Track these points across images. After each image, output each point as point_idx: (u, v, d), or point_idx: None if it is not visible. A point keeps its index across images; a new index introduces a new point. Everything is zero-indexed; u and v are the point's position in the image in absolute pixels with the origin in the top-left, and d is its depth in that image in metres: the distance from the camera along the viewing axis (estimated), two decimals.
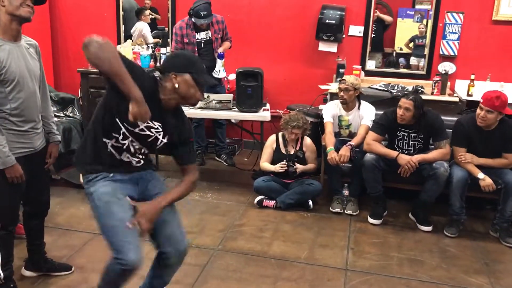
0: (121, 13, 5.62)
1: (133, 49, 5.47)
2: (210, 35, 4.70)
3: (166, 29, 5.67)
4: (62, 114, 4.74)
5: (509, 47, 4.79)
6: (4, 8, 2.34)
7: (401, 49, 5.37)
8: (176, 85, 2.08)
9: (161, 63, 2.08)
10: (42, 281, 2.85)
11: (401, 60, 5.34)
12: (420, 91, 4.51)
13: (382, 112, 3.88)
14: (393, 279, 3.02)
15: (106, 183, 2.14)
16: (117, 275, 2.08)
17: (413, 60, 5.26)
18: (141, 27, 5.74)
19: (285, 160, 4.03)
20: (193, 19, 4.57)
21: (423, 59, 5.10)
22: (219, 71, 4.68)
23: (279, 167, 4.04)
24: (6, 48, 2.36)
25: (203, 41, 4.71)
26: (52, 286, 2.81)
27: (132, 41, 5.64)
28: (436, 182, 3.60)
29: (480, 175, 3.52)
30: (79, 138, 4.64)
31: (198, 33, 4.68)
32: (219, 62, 4.65)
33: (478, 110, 3.52)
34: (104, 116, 2.09)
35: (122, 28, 5.67)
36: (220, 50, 4.67)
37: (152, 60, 5.47)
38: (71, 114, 4.76)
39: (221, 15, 4.79)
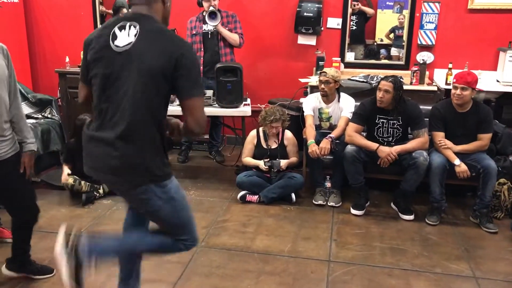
0: (98, 11, 5.54)
1: None
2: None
3: None
4: (40, 116, 4.68)
5: (485, 35, 4.84)
6: None
7: (381, 40, 5.39)
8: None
9: None
10: (23, 285, 2.82)
11: (382, 51, 5.36)
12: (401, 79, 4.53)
13: (360, 103, 3.90)
14: (376, 269, 3.05)
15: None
16: (176, 250, 2.18)
17: (393, 51, 5.29)
18: None
19: (264, 162, 4.05)
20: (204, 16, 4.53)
21: (403, 50, 5.13)
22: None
23: (262, 165, 4.05)
24: None
25: (209, 33, 4.65)
26: None
27: None
28: (416, 172, 3.63)
29: (457, 161, 3.57)
30: (58, 139, 4.59)
31: (206, 25, 4.63)
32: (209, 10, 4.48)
33: (453, 90, 3.61)
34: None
35: (100, 27, 5.60)
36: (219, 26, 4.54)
37: None
38: (49, 115, 4.70)
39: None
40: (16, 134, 2.58)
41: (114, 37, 1.90)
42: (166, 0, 2.01)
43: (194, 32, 4.66)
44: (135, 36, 1.88)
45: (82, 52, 2.08)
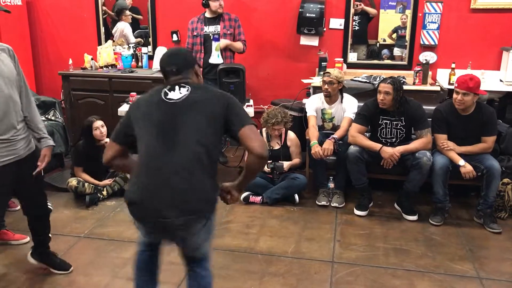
0: (101, 13, 5.57)
1: (114, 50, 5.43)
2: (219, 30, 4.62)
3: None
4: (44, 118, 4.69)
5: (488, 35, 4.83)
6: None
7: (384, 40, 5.38)
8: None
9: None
10: (29, 283, 2.84)
11: (385, 51, 5.36)
12: (402, 81, 4.52)
13: (363, 104, 3.90)
14: (380, 269, 3.04)
15: None
16: None
17: (396, 51, 5.29)
18: (122, 27, 5.70)
19: (267, 164, 4.05)
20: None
21: (406, 50, 5.12)
22: (214, 55, 4.57)
23: (265, 167, 4.05)
24: None
25: (211, 35, 4.64)
26: None
27: (114, 41, 5.60)
28: (420, 172, 3.62)
29: (461, 162, 3.56)
30: (61, 142, 4.61)
31: (207, 27, 4.64)
32: (214, 45, 4.52)
33: (454, 95, 3.58)
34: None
35: (102, 29, 5.62)
36: (222, 42, 4.54)
37: (133, 60, 5.44)
38: (53, 118, 4.73)
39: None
40: (33, 131, 2.63)
41: (166, 94, 2.07)
42: (198, 73, 2.24)
43: (195, 34, 4.67)
44: (187, 91, 2.07)
45: (126, 113, 2.17)
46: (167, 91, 2.09)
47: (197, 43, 4.67)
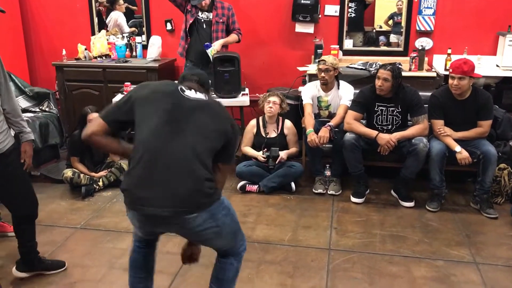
0: (94, 3, 5.50)
1: (108, 39, 5.38)
2: (211, 17, 4.53)
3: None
4: (38, 109, 4.66)
5: (484, 20, 4.79)
6: None
7: (380, 27, 5.34)
8: None
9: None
10: (27, 279, 2.83)
11: (382, 38, 5.31)
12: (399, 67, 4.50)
13: (359, 91, 3.88)
14: (376, 256, 3.05)
15: None
16: (240, 263, 2.33)
17: (392, 38, 5.24)
18: (116, 17, 5.64)
19: (262, 152, 4.07)
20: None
21: (402, 36, 5.08)
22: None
23: (260, 156, 4.04)
24: None
25: (203, 21, 4.55)
26: (35, 284, 2.79)
27: (107, 31, 5.55)
28: (416, 158, 3.62)
29: (457, 148, 3.55)
30: (56, 133, 4.58)
31: (200, 12, 4.54)
32: (208, 52, 4.42)
33: (450, 81, 3.57)
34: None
35: (96, 19, 5.56)
36: (216, 45, 4.43)
37: (127, 49, 5.40)
38: (47, 109, 4.69)
39: None
40: (13, 125, 2.57)
41: (183, 90, 2.09)
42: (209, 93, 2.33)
43: (189, 16, 4.58)
44: (204, 96, 2.12)
45: (126, 95, 2.13)
46: (184, 88, 2.11)
47: (188, 20, 4.55)
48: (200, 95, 2.11)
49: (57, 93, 5.16)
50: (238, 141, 2.23)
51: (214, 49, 4.41)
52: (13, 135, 2.62)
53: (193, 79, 2.24)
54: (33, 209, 2.72)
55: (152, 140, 1.97)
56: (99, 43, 5.31)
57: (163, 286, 2.74)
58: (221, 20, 4.55)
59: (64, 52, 5.25)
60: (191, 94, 2.09)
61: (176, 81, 2.29)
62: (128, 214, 2.06)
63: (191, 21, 4.53)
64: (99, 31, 5.49)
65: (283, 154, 4.06)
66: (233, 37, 4.60)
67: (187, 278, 2.83)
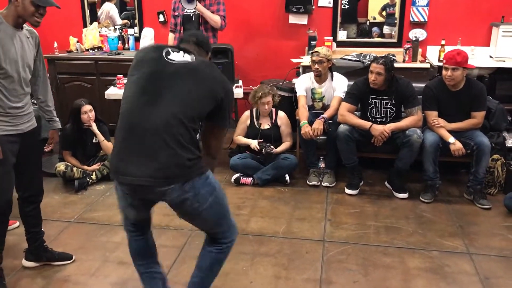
0: None
1: (100, 32, 5.33)
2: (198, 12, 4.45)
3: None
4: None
5: (477, 11, 4.79)
6: (17, 8, 2.41)
7: (374, 18, 5.33)
8: None
9: None
10: (20, 268, 2.83)
11: (375, 29, 5.31)
12: (392, 59, 4.49)
13: (353, 83, 3.87)
14: (370, 247, 3.05)
15: None
16: (229, 251, 2.31)
17: (386, 29, 5.24)
18: (108, 9, 5.60)
19: (258, 142, 4.03)
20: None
21: (395, 27, 5.07)
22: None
23: (254, 145, 4.02)
24: (1, 29, 2.40)
25: (191, 15, 4.47)
26: (27, 278, 2.78)
27: (99, 23, 5.49)
28: (410, 150, 3.62)
29: (451, 139, 3.56)
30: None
31: (187, 4, 4.39)
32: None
33: (444, 72, 3.57)
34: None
35: (88, 11, 5.50)
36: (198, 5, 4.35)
37: (120, 41, 5.35)
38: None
39: None
40: (45, 114, 2.79)
41: (168, 54, 2.03)
42: (210, 55, 2.26)
43: (176, 14, 4.54)
44: (191, 59, 2.05)
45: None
46: (170, 51, 2.04)
47: (178, 24, 4.55)
48: (188, 57, 2.04)
49: None
50: (232, 103, 2.13)
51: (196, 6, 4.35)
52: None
53: (190, 40, 2.18)
54: (39, 192, 2.79)
55: (129, 112, 1.98)
56: (91, 35, 5.27)
57: None
58: (210, 10, 4.47)
59: (55, 44, 5.21)
60: (176, 57, 2.02)
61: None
62: (116, 189, 2.09)
63: (178, 21, 4.51)
64: (91, 23, 5.45)
65: (278, 149, 4.05)
66: (216, 17, 4.44)
67: (181, 270, 2.83)
